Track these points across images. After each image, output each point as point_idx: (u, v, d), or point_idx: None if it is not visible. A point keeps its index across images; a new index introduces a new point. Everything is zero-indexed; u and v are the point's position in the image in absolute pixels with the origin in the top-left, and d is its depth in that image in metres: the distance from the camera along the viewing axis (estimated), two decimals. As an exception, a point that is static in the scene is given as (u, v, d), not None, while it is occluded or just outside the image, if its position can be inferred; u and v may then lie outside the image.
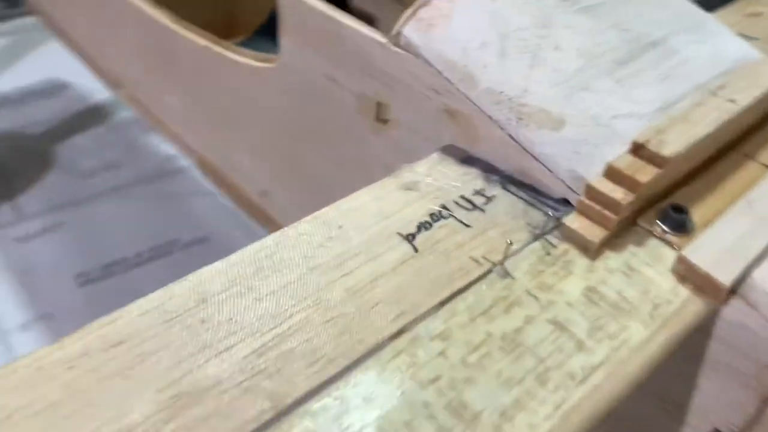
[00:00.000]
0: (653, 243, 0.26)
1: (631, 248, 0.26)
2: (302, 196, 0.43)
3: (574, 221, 0.26)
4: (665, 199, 0.28)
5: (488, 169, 0.29)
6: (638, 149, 0.27)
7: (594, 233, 0.26)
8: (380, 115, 0.34)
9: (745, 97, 0.30)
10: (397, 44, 0.31)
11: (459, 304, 0.23)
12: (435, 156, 0.30)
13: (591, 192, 0.26)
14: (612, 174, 0.26)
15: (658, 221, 0.27)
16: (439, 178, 0.29)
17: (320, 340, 0.22)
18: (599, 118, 0.28)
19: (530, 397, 0.21)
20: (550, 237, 0.26)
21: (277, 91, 0.40)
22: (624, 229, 0.27)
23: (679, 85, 0.31)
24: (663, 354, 0.23)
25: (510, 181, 0.29)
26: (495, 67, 0.29)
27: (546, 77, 0.29)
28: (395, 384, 0.21)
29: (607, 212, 0.26)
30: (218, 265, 0.24)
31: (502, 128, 0.29)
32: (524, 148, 0.28)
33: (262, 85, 0.40)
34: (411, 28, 0.31)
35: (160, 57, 0.49)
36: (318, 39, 0.35)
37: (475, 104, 0.29)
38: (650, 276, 0.25)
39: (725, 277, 0.24)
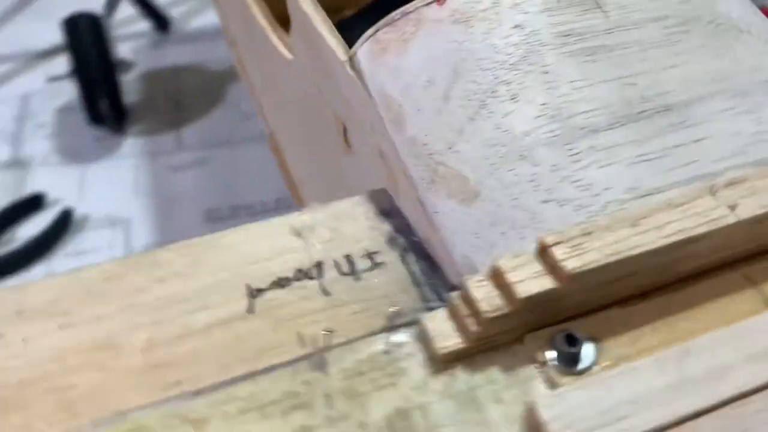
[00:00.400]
0: (527, 374, 0.21)
1: (494, 373, 0.21)
2: (320, 196, 0.42)
3: (433, 320, 0.21)
4: (584, 316, 0.22)
5: (402, 229, 0.25)
6: (543, 251, 0.21)
7: (447, 342, 0.21)
8: (346, 137, 0.31)
9: (752, 206, 0.22)
10: (352, 66, 0.28)
11: (246, 388, 0.21)
12: (355, 200, 0.27)
13: (464, 291, 0.21)
14: (496, 276, 0.21)
15: (547, 347, 0.21)
16: (339, 228, 0.25)
17: (77, 392, 0.21)
18: (523, 199, 0.23)
19: None
20: (404, 330, 0.22)
21: (292, 85, 0.38)
22: (501, 346, 0.21)
23: (672, 171, 0.23)
24: None
25: (413, 249, 0.25)
26: (429, 113, 0.25)
27: (481, 135, 0.24)
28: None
29: (471, 321, 0.21)
30: (52, 280, 0.24)
31: (414, 187, 0.24)
32: (428, 216, 0.24)
33: (286, 75, 0.39)
34: (365, 51, 0.27)
35: (247, 30, 0.49)
36: (307, 45, 0.32)
37: (398, 152, 0.25)
38: (492, 418, 0.20)
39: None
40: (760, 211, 0.22)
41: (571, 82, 0.25)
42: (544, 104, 0.24)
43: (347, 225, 0.26)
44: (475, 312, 0.21)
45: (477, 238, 0.22)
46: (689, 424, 0.19)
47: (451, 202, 0.23)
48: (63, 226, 0.75)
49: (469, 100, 0.25)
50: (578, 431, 0.18)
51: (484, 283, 0.21)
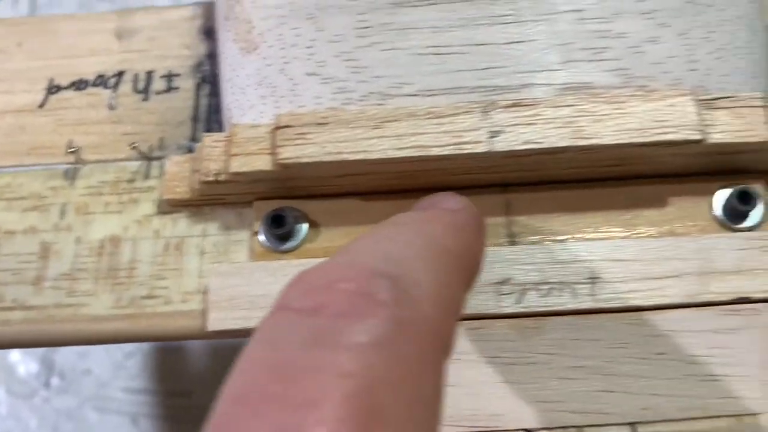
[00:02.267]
0: (239, 237, 0.22)
1: (211, 228, 0.22)
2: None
3: (174, 164, 0.22)
4: (318, 198, 0.22)
5: (213, 55, 0.25)
6: (274, 131, 0.20)
7: (175, 189, 0.22)
8: None
9: (515, 139, 0.20)
10: None
11: (6, 178, 0.23)
12: (188, 10, 0.26)
13: (203, 144, 0.21)
14: (230, 139, 0.21)
15: (263, 219, 0.21)
16: (158, 39, 0.25)
17: None
18: (292, 65, 0.21)
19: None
20: (157, 165, 0.23)
21: None
22: (231, 204, 0.22)
23: (459, 74, 0.21)
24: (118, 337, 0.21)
25: (212, 81, 0.24)
26: (247, -62, 0.22)
27: (283, -20, 0.22)
28: None
29: (196, 177, 0.21)
30: None
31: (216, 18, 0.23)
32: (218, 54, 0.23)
33: None
34: None
35: None
36: None
37: (215, -26, 0.23)
38: (186, 267, 0.21)
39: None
40: (518, 147, 0.20)
41: (403, -66, 0.21)
42: (363, -42, 0.21)
43: (168, 37, 0.25)
44: (204, 169, 0.21)
45: (242, 94, 0.22)
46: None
47: (234, 46, 0.22)
48: None
49: (288, -66, 0.22)
50: (232, 307, 0.20)
51: (219, 144, 0.21)
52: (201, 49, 0.25)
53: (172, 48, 0.25)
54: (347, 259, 0.14)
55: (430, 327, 0.13)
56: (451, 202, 0.17)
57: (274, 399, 0.11)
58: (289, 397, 0.11)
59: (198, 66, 0.25)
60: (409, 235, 0.15)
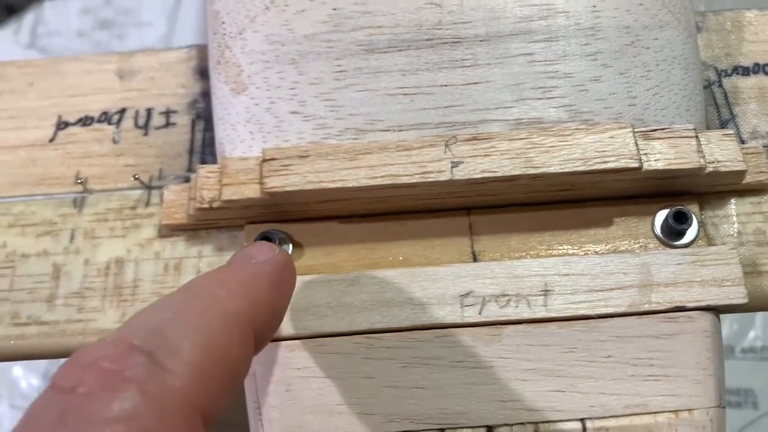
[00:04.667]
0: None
1: (206, 250, 0.24)
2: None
3: (172, 192, 0.25)
4: (304, 222, 0.24)
5: (207, 93, 0.27)
6: (261, 162, 0.23)
7: (174, 215, 0.24)
8: None
9: (473, 168, 0.22)
10: None
11: (19, 207, 0.25)
12: (184, 52, 0.28)
13: (198, 175, 0.24)
14: (222, 170, 0.23)
15: (253, 241, 0.24)
16: (157, 79, 0.28)
17: None
18: (277, 105, 0.24)
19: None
20: (157, 193, 0.26)
21: None
22: (225, 227, 0.25)
23: (425, 111, 0.24)
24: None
25: (207, 116, 0.27)
26: (236, -9, 0.25)
27: (269, 29, 0.24)
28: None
29: (192, 204, 0.24)
30: None
31: (209, 61, 0.26)
32: (212, 94, 0.26)
33: None
34: None
35: None
36: None
37: (207, 21, 0.26)
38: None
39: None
40: (476, 176, 0.22)
41: (378, -13, 0.24)
42: (335, 10, 0.24)
43: (166, 77, 0.28)
44: (198, 197, 0.24)
45: (233, 130, 0.24)
46: (319, 340, 0.22)
47: (225, 88, 0.25)
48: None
49: (274, -12, 0.25)
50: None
51: (213, 174, 0.24)
52: (196, 87, 0.28)
53: (170, 87, 0.28)
54: (117, 335, 0.15)
55: (181, 397, 0.14)
56: (261, 253, 0.19)
57: None
58: None
59: (193, 103, 0.27)
60: (183, 302, 0.16)
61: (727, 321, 0.61)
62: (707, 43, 0.28)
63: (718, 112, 0.26)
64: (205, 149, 0.26)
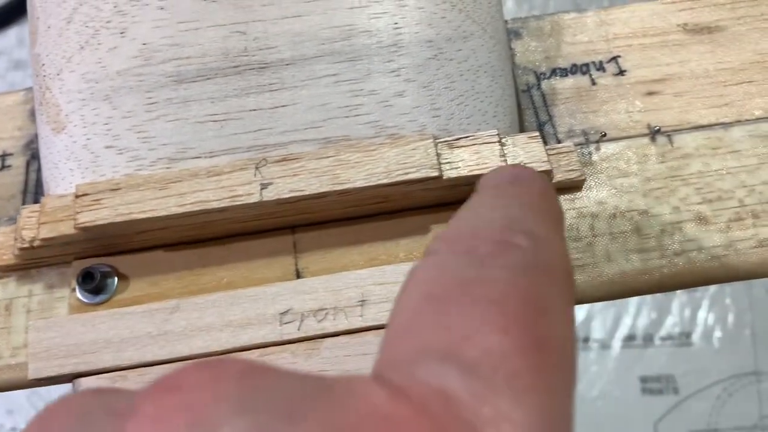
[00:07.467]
0: (61, 294, 0.25)
1: (36, 288, 0.25)
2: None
3: (2, 235, 0.25)
4: (130, 253, 0.25)
5: (44, 132, 0.28)
6: (75, 199, 0.23)
7: (1, 255, 0.25)
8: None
9: (282, 188, 0.23)
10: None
11: None
12: (21, 95, 0.29)
13: (21, 215, 0.24)
14: (42, 207, 0.24)
15: (76, 277, 0.24)
16: (2, 121, 0.28)
17: None
18: (93, 141, 0.24)
19: None
20: None
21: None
22: (56, 264, 0.25)
23: (235, 136, 0.24)
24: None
25: (38, 155, 0.27)
26: (54, 33, 0.26)
27: (84, 67, 0.25)
28: None
29: (16, 244, 0.24)
30: None
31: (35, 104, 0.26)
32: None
33: None
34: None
35: None
36: None
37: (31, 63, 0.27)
38: (14, 325, 0.24)
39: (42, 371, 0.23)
40: (285, 195, 0.23)
41: (181, 23, 0.25)
42: (145, 45, 0.25)
43: (4, 120, 0.28)
44: (17, 238, 0.24)
45: (56, 168, 0.25)
46: (147, 369, 0.23)
47: (47, 128, 0.25)
48: None
49: (86, 27, 0.25)
50: (49, 356, 0.23)
51: (34, 214, 0.24)
52: (32, 129, 0.28)
53: (7, 130, 0.28)
54: (473, 223, 0.17)
55: (565, 269, 0.16)
56: (515, 170, 0.19)
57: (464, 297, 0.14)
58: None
59: (28, 144, 0.28)
60: (520, 200, 0.18)
61: (646, 309, 0.62)
62: (527, 48, 0.29)
63: (537, 114, 0.27)
64: (38, 189, 0.27)
